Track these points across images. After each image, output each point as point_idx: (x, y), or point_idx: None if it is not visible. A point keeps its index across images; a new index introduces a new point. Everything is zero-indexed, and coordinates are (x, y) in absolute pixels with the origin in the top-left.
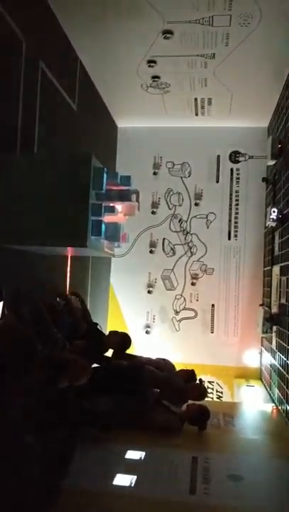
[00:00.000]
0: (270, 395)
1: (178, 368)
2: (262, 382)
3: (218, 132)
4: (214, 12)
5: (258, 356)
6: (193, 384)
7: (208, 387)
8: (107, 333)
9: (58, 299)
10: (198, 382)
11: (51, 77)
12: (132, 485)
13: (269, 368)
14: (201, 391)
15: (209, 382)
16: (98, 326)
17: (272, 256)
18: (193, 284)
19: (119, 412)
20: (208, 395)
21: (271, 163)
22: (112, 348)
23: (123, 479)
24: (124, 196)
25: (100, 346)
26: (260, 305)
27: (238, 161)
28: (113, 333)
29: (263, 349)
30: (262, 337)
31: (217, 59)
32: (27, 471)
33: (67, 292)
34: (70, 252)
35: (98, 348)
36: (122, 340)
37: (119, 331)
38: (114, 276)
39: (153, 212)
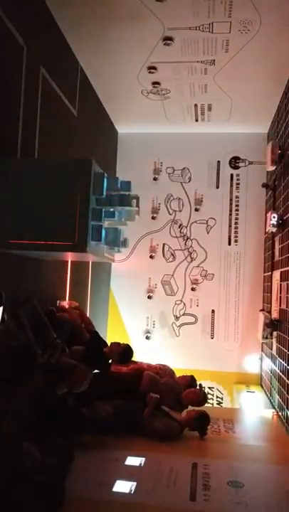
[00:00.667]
0: (270, 400)
1: (178, 374)
2: (262, 388)
3: (218, 138)
4: (214, 19)
5: (258, 362)
6: (193, 389)
7: (208, 393)
8: (106, 338)
9: (57, 304)
10: (198, 387)
11: (52, 82)
12: (132, 491)
13: (269, 373)
14: (201, 396)
15: (209, 387)
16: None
17: (273, 261)
18: (193, 289)
19: (119, 417)
20: (208, 400)
21: (271, 168)
22: (112, 360)
23: (122, 486)
24: (124, 201)
25: (101, 358)
26: (261, 310)
27: (238, 167)
28: (115, 344)
29: (263, 355)
30: (262, 342)
31: (217, 65)
32: (26, 478)
33: (67, 298)
34: (70, 257)
35: (98, 360)
36: (124, 351)
37: (122, 342)
38: (114, 281)
39: (153, 218)
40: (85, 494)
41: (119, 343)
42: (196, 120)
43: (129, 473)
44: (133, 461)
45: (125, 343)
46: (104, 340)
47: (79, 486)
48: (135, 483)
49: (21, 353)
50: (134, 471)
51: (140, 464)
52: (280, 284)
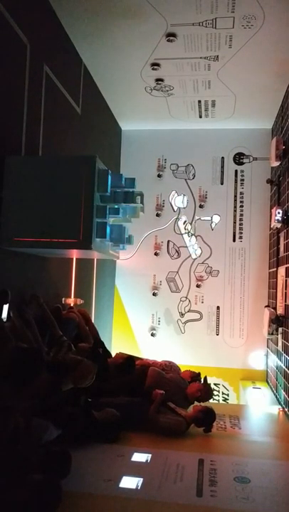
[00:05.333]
0: (276, 396)
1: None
2: (268, 384)
3: (222, 134)
4: (217, 14)
5: (263, 358)
6: (197, 383)
7: (213, 390)
8: (111, 335)
9: (63, 302)
10: (202, 381)
11: (55, 80)
12: (139, 487)
13: (275, 369)
14: (206, 390)
15: (215, 384)
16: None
17: (278, 257)
18: (198, 286)
19: (125, 414)
20: (214, 397)
21: (275, 164)
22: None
23: (129, 481)
24: (128, 198)
25: (103, 370)
26: (266, 306)
27: (242, 163)
28: (119, 354)
29: (269, 351)
30: (268, 339)
31: (220, 61)
32: (30, 473)
33: (72, 295)
34: (75, 254)
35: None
36: (126, 362)
37: (125, 353)
38: (119, 278)
39: (157, 215)
40: (92, 490)
41: (122, 353)
42: (200, 116)
43: (136, 470)
44: (139, 457)
45: (128, 354)
46: (108, 353)
47: (86, 481)
48: (142, 479)
49: (29, 354)
50: (140, 467)
51: (147, 460)
52: (286, 280)
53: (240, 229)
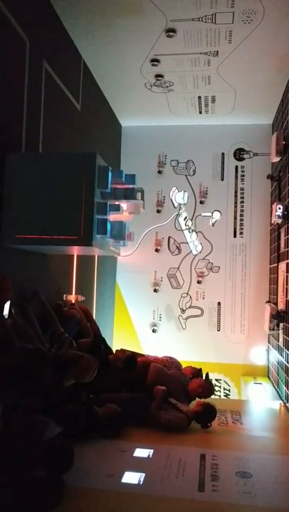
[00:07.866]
0: (277, 392)
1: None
2: (269, 379)
3: (223, 130)
4: (217, 9)
5: (265, 353)
6: (199, 379)
7: (215, 385)
8: (112, 332)
9: (64, 298)
10: (204, 377)
11: (55, 77)
12: (141, 482)
13: (276, 365)
14: (207, 387)
15: (217, 379)
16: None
17: (278, 253)
18: (199, 282)
19: (126, 410)
20: (216, 392)
21: (276, 159)
22: (117, 367)
23: (131, 477)
24: (129, 195)
25: (104, 366)
26: (267, 302)
27: (242, 159)
28: (120, 351)
29: (270, 346)
30: (269, 334)
31: (220, 56)
32: (32, 470)
33: (73, 292)
34: (75, 251)
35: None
36: (128, 359)
37: (126, 350)
38: (120, 275)
39: (158, 211)
40: (94, 485)
41: (124, 350)
42: (200, 112)
43: (138, 465)
44: (141, 452)
45: (129, 351)
46: (110, 349)
47: (88, 477)
48: (144, 475)
49: (34, 356)
50: (142, 462)
51: (148, 456)
52: (286, 276)
53: (241, 225)
